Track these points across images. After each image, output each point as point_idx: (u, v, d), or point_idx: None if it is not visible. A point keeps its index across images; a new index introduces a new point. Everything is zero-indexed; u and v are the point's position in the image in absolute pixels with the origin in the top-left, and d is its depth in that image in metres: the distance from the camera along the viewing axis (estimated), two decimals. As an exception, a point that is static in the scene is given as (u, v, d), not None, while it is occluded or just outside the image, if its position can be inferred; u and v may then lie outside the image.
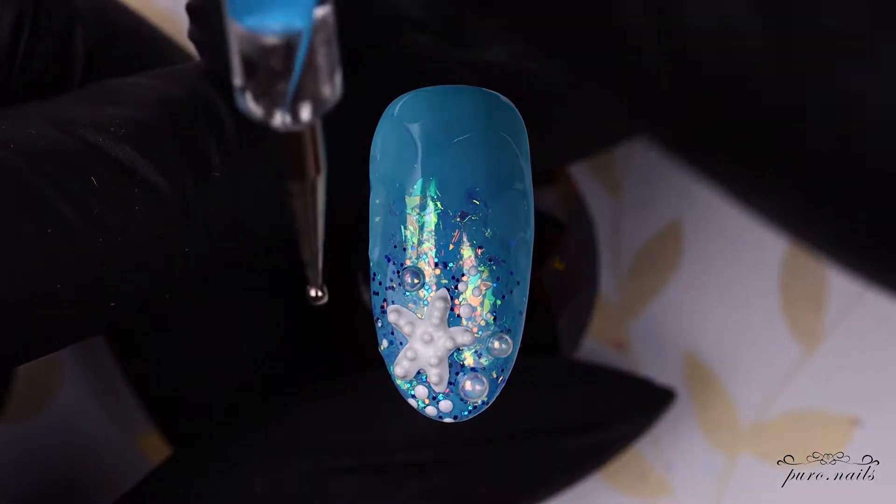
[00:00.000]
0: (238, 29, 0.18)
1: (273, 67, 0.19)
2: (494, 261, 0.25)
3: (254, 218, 0.26)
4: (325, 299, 0.24)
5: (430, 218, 0.24)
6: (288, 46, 0.18)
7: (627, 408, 0.33)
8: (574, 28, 0.16)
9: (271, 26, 0.18)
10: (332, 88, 0.19)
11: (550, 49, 0.16)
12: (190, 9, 0.26)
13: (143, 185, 0.24)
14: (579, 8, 0.15)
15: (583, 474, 0.33)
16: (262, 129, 0.26)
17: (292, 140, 0.20)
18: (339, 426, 0.30)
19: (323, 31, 0.19)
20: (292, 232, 0.28)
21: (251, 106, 0.19)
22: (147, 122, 0.25)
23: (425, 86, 0.25)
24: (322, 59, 0.19)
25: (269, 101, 0.19)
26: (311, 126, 0.20)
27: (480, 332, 0.25)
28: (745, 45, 0.15)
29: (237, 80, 0.19)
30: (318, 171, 0.21)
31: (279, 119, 0.19)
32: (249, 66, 0.19)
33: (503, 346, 0.25)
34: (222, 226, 0.25)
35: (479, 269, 0.24)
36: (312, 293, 0.24)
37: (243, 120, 0.26)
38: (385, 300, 0.25)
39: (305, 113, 0.19)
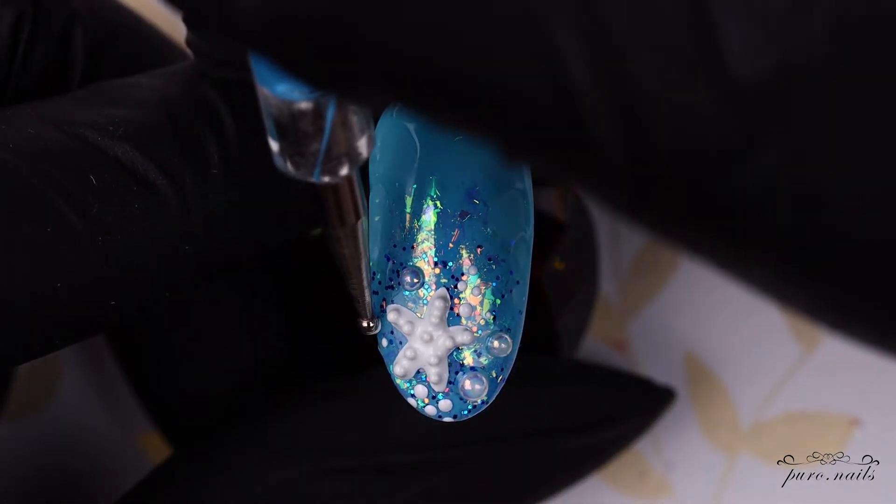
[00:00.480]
0: (269, 96, 0.19)
1: (304, 130, 0.19)
2: (494, 260, 0.25)
3: (254, 216, 0.26)
4: (378, 329, 0.25)
5: (430, 217, 0.24)
6: (318, 110, 0.19)
7: (627, 408, 0.33)
8: (546, 139, 0.15)
9: (302, 92, 0.18)
10: (366, 142, 0.20)
11: (520, 152, 0.16)
12: (187, 17, 0.26)
13: (143, 184, 0.24)
14: (551, 123, 0.15)
15: (583, 474, 0.33)
16: (262, 128, 0.26)
17: (331, 191, 0.21)
18: (339, 426, 0.30)
19: None
20: (295, 233, 0.28)
21: (288, 166, 0.20)
22: (146, 122, 0.25)
23: None
24: (354, 115, 0.19)
25: (304, 160, 0.19)
26: (348, 178, 0.20)
27: (480, 332, 0.25)
28: (703, 127, 0.15)
29: (273, 144, 0.20)
30: (357, 216, 0.21)
31: (315, 176, 0.20)
32: (281, 129, 0.19)
33: (503, 345, 0.25)
34: (222, 224, 0.25)
35: (479, 268, 0.24)
36: (364, 324, 0.25)
37: (243, 119, 0.26)
38: (384, 299, 0.25)
39: (343, 169, 0.20)
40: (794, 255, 0.15)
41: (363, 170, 0.26)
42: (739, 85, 0.14)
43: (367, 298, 0.24)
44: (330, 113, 0.19)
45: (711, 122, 0.14)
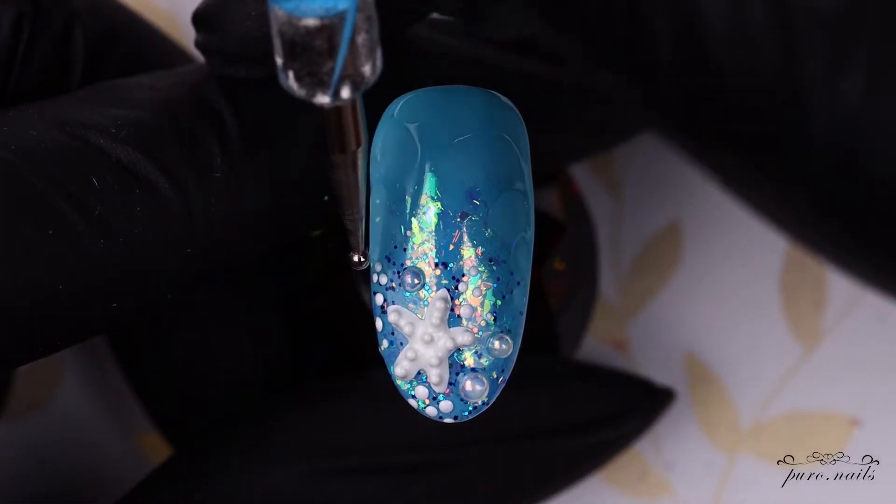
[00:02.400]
0: (280, 13, 0.19)
1: (318, 49, 0.19)
2: (495, 261, 0.25)
3: (255, 218, 0.26)
4: (367, 264, 0.25)
5: (431, 218, 0.24)
6: (331, 27, 0.19)
7: (627, 408, 0.33)
8: (593, 14, 0.16)
9: (314, 9, 0.19)
10: (372, 67, 0.20)
11: (568, 34, 0.17)
12: (197, 18, 0.26)
13: (145, 187, 0.24)
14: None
15: (583, 474, 0.33)
16: (264, 129, 0.26)
17: (334, 115, 0.21)
18: (340, 427, 0.30)
19: (364, 10, 0.19)
20: (293, 231, 0.28)
21: (293, 85, 0.20)
22: (149, 123, 0.25)
23: (427, 83, 0.25)
24: (362, 38, 0.19)
25: (315, 80, 0.19)
26: (352, 102, 0.20)
27: (481, 333, 0.25)
28: (755, 46, 0.15)
29: (279, 59, 0.19)
30: (359, 143, 0.21)
31: (321, 98, 0.20)
32: (292, 49, 0.19)
33: (503, 346, 0.25)
34: (224, 226, 0.25)
35: (480, 269, 0.24)
36: (355, 259, 0.24)
37: (245, 120, 0.26)
38: (385, 300, 0.25)
39: (346, 91, 0.20)
40: (831, 179, 0.16)
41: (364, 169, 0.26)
42: (807, 12, 0.15)
43: (361, 231, 0.24)
44: (346, 32, 0.19)
45: (768, 46, 0.15)
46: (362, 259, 0.24)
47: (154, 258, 0.24)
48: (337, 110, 0.21)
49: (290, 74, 0.19)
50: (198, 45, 0.26)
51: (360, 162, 0.22)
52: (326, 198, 0.27)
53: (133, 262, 0.24)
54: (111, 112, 0.25)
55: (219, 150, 0.25)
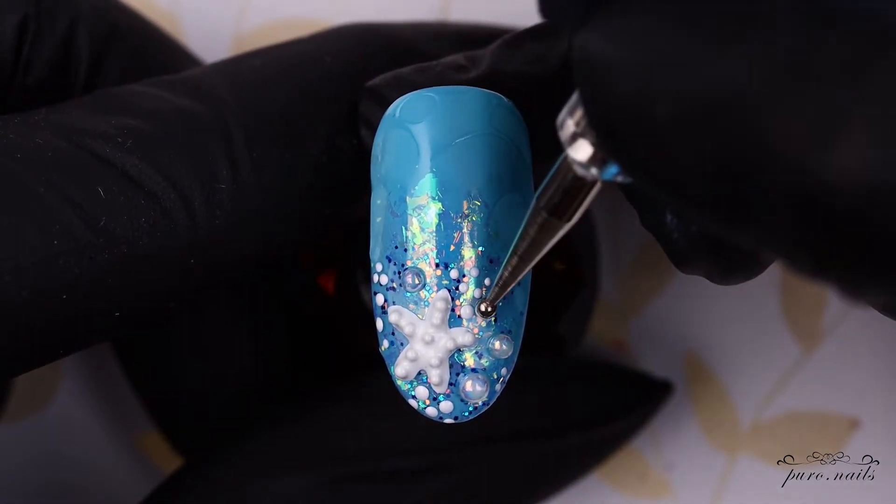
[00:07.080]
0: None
1: None
2: (495, 262, 0.25)
3: (260, 231, 0.26)
4: (492, 315, 0.25)
5: (432, 218, 0.24)
6: None
7: (626, 402, 0.33)
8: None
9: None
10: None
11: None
12: (371, 90, 0.26)
13: (151, 198, 0.24)
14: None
15: (584, 470, 0.33)
16: (270, 143, 0.26)
17: (579, 186, 0.22)
18: (344, 435, 0.30)
19: None
20: (301, 246, 0.28)
21: (586, 149, 0.21)
22: (155, 134, 0.25)
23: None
24: None
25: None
26: (599, 182, 0.22)
27: (481, 333, 0.25)
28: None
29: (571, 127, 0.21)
30: (569, 219, 0.22)
31: (595, 172, 0.21)
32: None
33: (504, 346, 0.25)
34: (228, 239, 0.25)
35: (480, 269, 0.24)
36: (483, 307, 0.24)
37: (252, 134, 0.26)
38: (386, 300, 0.25)
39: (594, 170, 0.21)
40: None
41: (366, 171, 0.26)
42: None
43: (507, 290, 0.24)
44: None
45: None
46: (489, 310, 0.24)
47: (158, 269, 0.24)
48: (585, 184, 0.22)
49: (584, 142, 0.21)
50: (362, 112, 0.26)
51: (555, 238, 0.23)
52: (328, 211, 0.27)
53: (137, 273, 0.24)
54: (118, 121, 0.25)
55: (225, 162, 0.25)
